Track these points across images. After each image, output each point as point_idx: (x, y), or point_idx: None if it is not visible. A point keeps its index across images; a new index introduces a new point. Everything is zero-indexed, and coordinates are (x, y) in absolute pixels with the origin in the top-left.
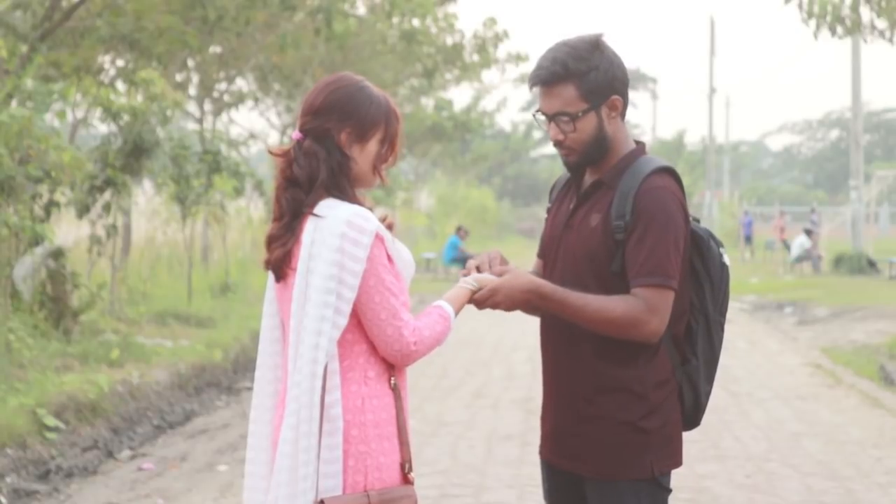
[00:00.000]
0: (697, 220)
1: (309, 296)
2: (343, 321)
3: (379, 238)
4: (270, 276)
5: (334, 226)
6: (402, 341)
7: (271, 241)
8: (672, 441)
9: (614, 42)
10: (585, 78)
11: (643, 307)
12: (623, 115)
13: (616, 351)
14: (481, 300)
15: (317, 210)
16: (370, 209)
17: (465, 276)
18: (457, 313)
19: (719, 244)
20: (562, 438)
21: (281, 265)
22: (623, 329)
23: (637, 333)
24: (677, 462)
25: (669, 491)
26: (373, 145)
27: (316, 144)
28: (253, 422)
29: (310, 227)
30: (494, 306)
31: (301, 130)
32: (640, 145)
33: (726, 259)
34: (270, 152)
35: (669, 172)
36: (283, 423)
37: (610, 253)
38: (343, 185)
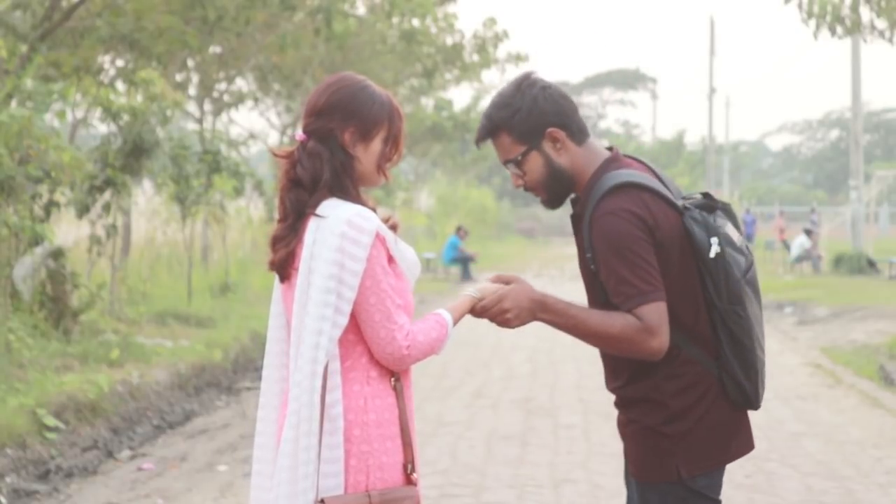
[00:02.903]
0: (711, 199)
1: (310, 295)
2: (344, 321)
3: (379, 238)
4: (277, 276)
5: (335, 225)
6: (394, 344)
7: (275, 242)
8: (702, 444)
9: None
10: (511, 123)
11: (640, 326)
12: (578, 140)
13: (629, 365)
14: (488, 306)
15: (319, 210)
16: (373, 209)
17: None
18: (456, 322)
19: (713, 233)
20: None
21: (285, 266)
22: (623, 347)
23: (638, 351)
24: (712, 464)
25: (707, 496)
26: (377, 144)
27: (320, 145)
28: (260, 421)
29: (312, 228)
30: (500, 312)
31: (305, 131)
32: (605, 161)
33: (715, 249)
34: (274, 154)
35: (622, 188)
36: (285, 423)
37: (597, 284)
38: (346, 186)
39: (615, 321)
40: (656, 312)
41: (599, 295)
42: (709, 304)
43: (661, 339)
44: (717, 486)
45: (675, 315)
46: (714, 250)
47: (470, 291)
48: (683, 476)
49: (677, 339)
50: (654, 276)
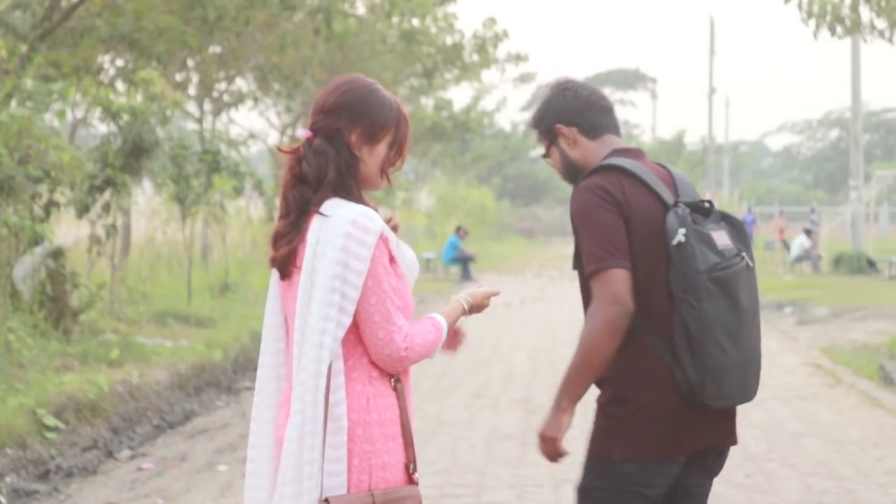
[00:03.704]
0: (710, 206)
1: (314, 295)
2: (347, 320)
3: (383, 239)
4: (274, 274)
5: (339, 225)
6: (392, 346)
7: (277, 239)
8: (643, 432)
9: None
10: (535, 122)
11: (596, 306)
12: (591, 136)
13: None
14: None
15: (323, 209)
16: (375, 210)
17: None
18: (450, 326)
19: (683, 225)
20: None
21: (286, 263)
22: (608, 337)
23: (615, 326)
24: (649, 454)
25: (632, 484)
26: (382, 148)
27: (326, 143)
28: (255, 420)
29: (315, 227)
30: (554, 455)
31: (311, 129)
32: (610, 152)
33: (680, 238)
34: (280, 149)
35: (603, 168)
36: (289, 423)
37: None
38: (350, 186)
39: (584, 331)
40: (605, 282)
41: (583, 274)
42: (669, 293)
43: (621, 305)
44: (650, 479)
45: (640, 300)
46: (677, 239)
47: (461, 297)
48: (615, 458)
49: (638, 322)
50: (615, 244)
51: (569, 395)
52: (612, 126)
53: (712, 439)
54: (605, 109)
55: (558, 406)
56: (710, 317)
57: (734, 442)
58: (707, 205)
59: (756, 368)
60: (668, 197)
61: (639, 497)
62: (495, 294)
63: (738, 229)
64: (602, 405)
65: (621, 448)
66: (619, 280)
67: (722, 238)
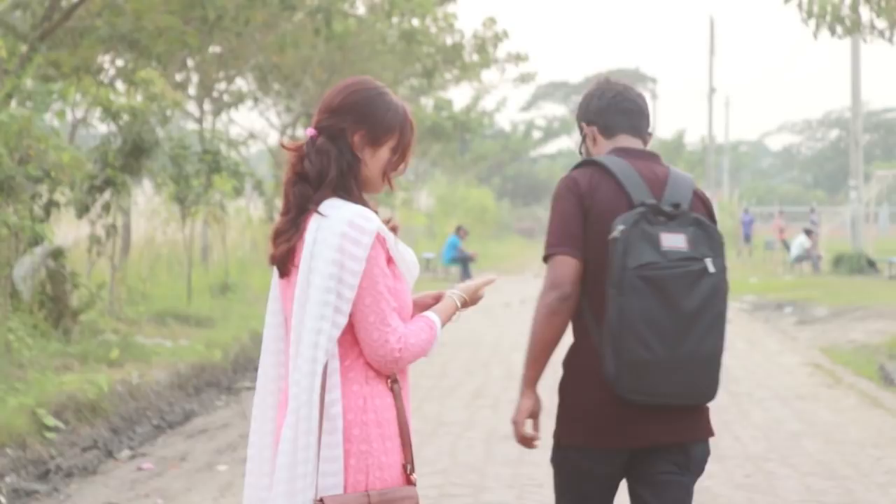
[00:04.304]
0: (675, 209)
1: (310, 295)
2: (343, 320)
3: (379, 239)
4: (275, 273)
5: (336, 225)
6: (386, 347)
7: (277, 236)
8: (581, 419)
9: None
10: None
11: (540, 291)
12: (607, 135)
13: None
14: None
15: (321, 209)
16: (375, 211)
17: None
18: (443, 325)
19: (624, 223)
20: None
21: (285, 261)
22: (546, 319)
23: (553, 309)
24: (583, 442)
25: (579, 469)
26: (385, 151)
27: (329, 143)
28: (255, 420)
29: (313, 226)
30: (526, 442)
31: (316, 127)
32: (610, 151)
33: (615, 234)
34: (283, 146)
35: (585, 163)
36: (284, 423)
37: None
38: (350, 186)
39: (535, 312)
40: (553, 267)
41: None
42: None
43: (559, 289)
44: (590, 464)
45: (588, 290)
46: (612, 235)
47: (453, 292)
48: (561, 442)
49: (585, 312)
50: (567, 233)
51: (524, 379)
52: (628, 127)
53: (664, 436)
54: (625, 111)
55: (520, 391)
56: (633, 312)
57: (698, 438)
58: (677, 208)
59: (703, 371)
60: (640, 196)
61: (583, 480)
62: (490, 282)
63: (710, 236)
64: (559, 390)
65: (563, 434)
66: (561, 265)
67: (675, 241)
